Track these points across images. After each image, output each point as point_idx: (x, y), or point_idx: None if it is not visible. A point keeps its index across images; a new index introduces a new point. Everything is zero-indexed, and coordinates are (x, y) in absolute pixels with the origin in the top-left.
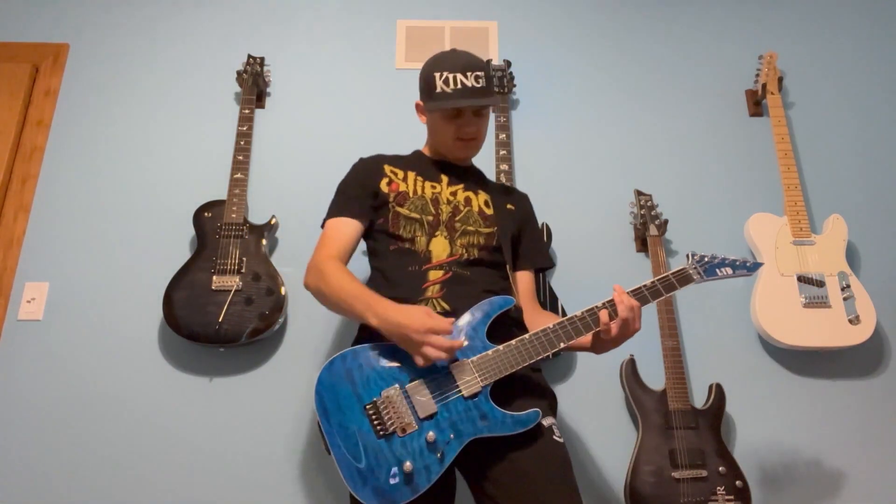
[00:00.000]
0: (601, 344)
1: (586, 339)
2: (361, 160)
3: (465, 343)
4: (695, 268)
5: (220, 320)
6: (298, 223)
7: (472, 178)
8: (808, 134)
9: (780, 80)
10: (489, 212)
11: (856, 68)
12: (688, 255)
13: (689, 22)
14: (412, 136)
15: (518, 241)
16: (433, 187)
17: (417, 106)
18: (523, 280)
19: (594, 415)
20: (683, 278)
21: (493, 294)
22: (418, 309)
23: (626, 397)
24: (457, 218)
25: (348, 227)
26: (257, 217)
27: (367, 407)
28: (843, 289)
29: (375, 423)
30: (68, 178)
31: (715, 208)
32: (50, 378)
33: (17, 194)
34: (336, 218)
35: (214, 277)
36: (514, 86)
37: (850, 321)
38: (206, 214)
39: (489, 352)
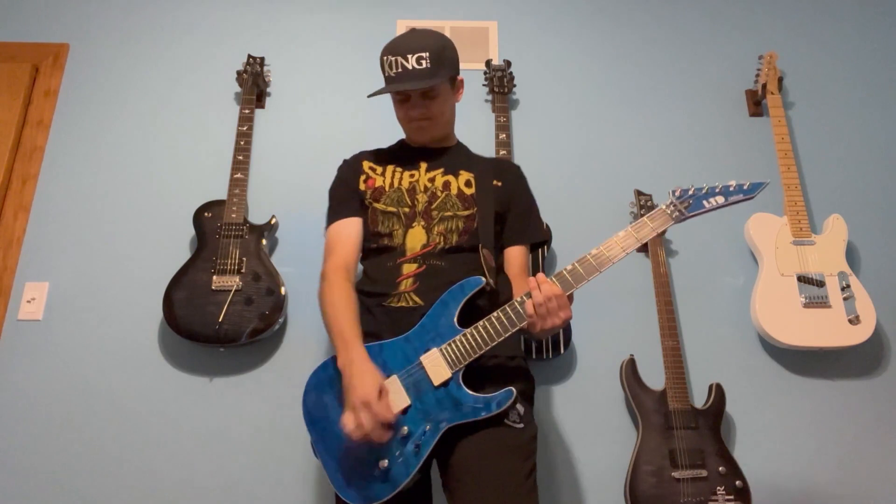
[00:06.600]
0: (537, 332)
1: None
2: (344, 161)
3: (384, 440)
4: (673, 204)
5: (220, 320)
6: (298, 223)
7: (456, 159)
8: (808, 134)
9: (780, 80)
10: (469, 192)
11: (856, 68)
12: (670, 192)
13: (689, 22)
14: None
15: (506, 216)
16: (411, 176)
17: None
18: (513, 255)
19: (594, 415)
20: (659, 220)
21: None
22: (375, 381)
23: (626, 397)
24: (433, 206)
25: (349, 228)
26: (257, 217)
27: (341, 412)
28: (843, 289)
29: None
30: (68, 178)
31: None
32: (50, 378)
33: (17, 194)
34: (335, 223)
35: (214, 277)
36: (514, 86)
37: (850, 321)
38: (206, 214)
39: (456, 337)
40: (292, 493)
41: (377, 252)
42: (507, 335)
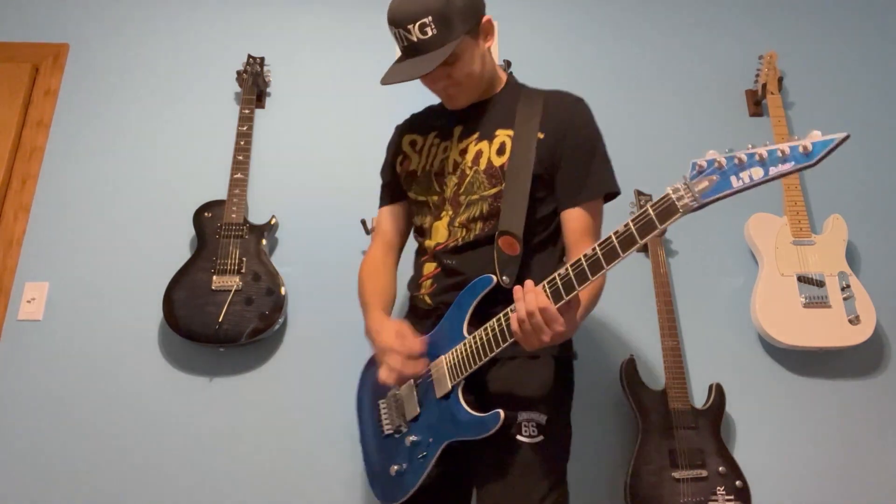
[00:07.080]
0: (528, 350)
1: None
2: (395, 130)
3: (420, 371)
4: (685, 186)
5: (220, 320)
6: (298, 223)
7: (497, 113)
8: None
9: (780, 80)
10: (500, 161)
11: (856, 68)
12: (689, 167)
13: (689, 22)
14: None
15: (556, 173)
16: (444, 150)
17: None
18: (568, 220)
19: (594, 415)
20: (666, 210)
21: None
22: (391, 329)
23: (626, 397)
24: (461, 189)
25: (387, 216)
26: (257, 217)
27: (374, 410)
28: (843, 289)
29: (378, 425)
30: (68, 178)
31: (715, 208)
32: (50, 378)
33: (17, 194)
34: (380, 209)
35: (214, 277)
36: None
37: (850, 321)
38: (206, 214)
39: (459, 346)
40: (292, 494)
41: (418, 247)
42: (499, 350)
